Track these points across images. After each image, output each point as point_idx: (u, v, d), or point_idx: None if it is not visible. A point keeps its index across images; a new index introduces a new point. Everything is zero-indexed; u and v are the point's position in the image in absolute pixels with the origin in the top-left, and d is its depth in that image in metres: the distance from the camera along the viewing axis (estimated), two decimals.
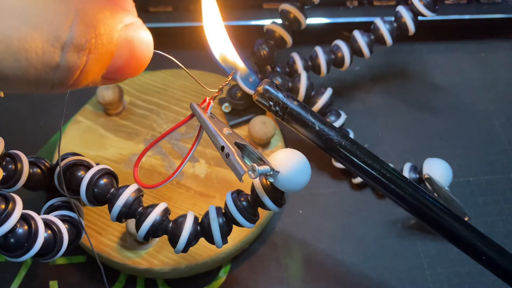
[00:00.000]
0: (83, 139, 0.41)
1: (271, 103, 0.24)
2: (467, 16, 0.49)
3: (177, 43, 0.46)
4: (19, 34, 0.16)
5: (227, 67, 0.26)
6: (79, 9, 0.17)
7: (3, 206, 0.24)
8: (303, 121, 0.24)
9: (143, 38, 0.20)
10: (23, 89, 0.18)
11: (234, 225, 0.26)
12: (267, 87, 0.24)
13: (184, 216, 0.27)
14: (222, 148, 0.23)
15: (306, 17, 0.39)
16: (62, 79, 0.18)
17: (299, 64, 0.40)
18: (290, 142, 0.43)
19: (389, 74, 0.50)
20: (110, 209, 0.26)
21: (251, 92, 0.40)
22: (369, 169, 0.25)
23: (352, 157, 0.25)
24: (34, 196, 0.30)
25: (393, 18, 0.39)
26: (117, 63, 0.19)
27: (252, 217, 0.25)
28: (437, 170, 0.37)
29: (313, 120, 0.24)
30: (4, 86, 0.17)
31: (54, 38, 0.17)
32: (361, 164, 0.25)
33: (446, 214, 0.26)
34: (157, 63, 0.47)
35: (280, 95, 0.24)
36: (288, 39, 0.40)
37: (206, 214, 0.26)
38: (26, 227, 0.25)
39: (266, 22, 0.41)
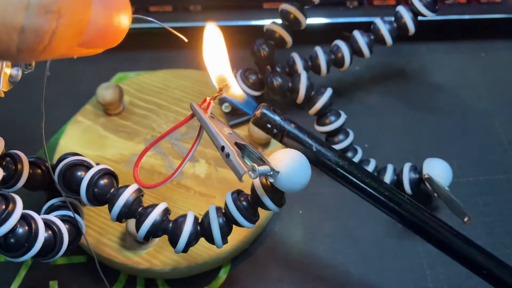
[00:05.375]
0: (83, 139, 0.41)
1: (269, 126, 0.25)
2: (467, 16, 0.49)
3: (177, 43, 0.46)
4: None
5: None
6: None
7: (3, 206, 0.24)
8: (301, 143, 0.25)
9: (119, 0, 0.19)
10: None
11: (234, 225, 0.26)
12: (264, 110, 0.24)
13: (184, 216, 0.27)
14: (222, 148, 0.23)
15: (306, 17, 0.39)
16: (29, 44, 0.16)
17: (299, 64, 0.40)
18: None
19: (389, 74, 0.50)
20: (110, 209, 0.26)
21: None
22: (368, 188, 0.25)
23: (350, 176, 0.25)
24: (34, 196, 0.30)
25: (393, 18, 0.39)
26: (93, 29, 0.18)
27: (252, 217, 0.25)
28: (437, 170, 0.37)
29: (310, 142, 0.25)
30: None
31: None
32: (359, 183, 0.25)
33: (445, 230, 0.26)
34: (157, 63, 0.48)
35: (277, 118, 0.25)
36: (288, 39, 0.40)
37: (206, 214, 0.26)
38: (26, 227, 0.25)
39: (266, 22, 0.41)
